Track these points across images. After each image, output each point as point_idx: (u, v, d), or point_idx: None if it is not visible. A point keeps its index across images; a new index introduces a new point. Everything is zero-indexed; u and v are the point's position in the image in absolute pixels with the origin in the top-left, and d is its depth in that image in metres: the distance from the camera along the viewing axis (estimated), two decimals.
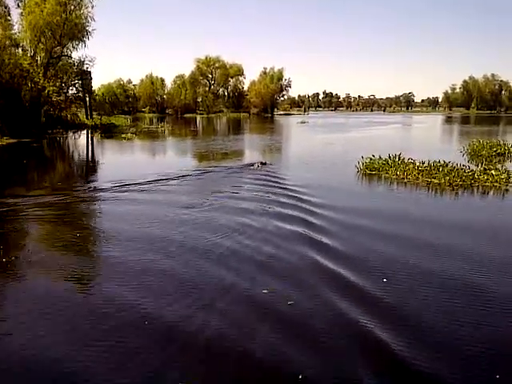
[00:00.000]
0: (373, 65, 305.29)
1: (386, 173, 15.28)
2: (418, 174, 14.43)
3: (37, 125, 38.17)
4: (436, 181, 13.66)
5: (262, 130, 50.55)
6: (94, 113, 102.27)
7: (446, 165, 14.95)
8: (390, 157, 16.78)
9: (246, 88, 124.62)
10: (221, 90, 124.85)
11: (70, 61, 44.15)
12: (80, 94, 47.85)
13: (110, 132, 41.07)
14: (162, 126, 52.40)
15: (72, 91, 46.64)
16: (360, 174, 15.79)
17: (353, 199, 11.94)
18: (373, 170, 15.75)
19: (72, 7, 39.62)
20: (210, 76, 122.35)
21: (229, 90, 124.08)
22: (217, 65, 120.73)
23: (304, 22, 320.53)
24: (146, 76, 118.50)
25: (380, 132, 45.54)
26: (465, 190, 12.99)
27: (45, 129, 38.16)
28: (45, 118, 40.97)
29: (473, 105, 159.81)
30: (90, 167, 20.72)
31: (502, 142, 23.04)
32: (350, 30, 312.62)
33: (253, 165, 17.37)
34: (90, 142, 35.99)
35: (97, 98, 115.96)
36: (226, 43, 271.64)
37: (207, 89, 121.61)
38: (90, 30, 42.57)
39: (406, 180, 14.22)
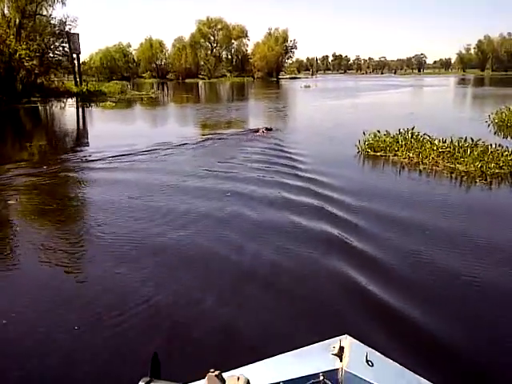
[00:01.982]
0: (383, 26, 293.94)
1: (395, 154, 11.64)
2: (438, 156, 10.79)
3: (11, 93, 34.70)
4: (462, 167, 10.03)
5: (266, 95, 46.30)
6: (92, 78, 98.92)
7: (476, 144, 11.16)
8: (399, 132, 13.07)
9: (249, 51, 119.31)
10: (224, 53, 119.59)
11: (47, 20, 40.10)
12: (60, 58, 43.67)
13: (90, 100, 37.32)
14: (153, 93, 48.58)
15: (51, 55, 42.48)
16: (361, 155, 12.19)
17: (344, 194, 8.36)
18: (377, 151, 12.11)
19: None
20: (212, 38, 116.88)
21: (232, 53, 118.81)
22: (219, 26, 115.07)
23: None
24: (145, 39, 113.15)
25: (389, 97, 41.28)
26: (503, 180, 9.41)
27: (20, 97, 34.65)
28: (21, 85, 37.43)
29: (488, 66, 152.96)
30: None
31: None
32: None
33: (257, 130, 16.69)
34: (62, 111, 32.44)
35: (93, 63, 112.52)
36: (229, 3, 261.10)
37: (209, 52, 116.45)
38: None
39: (421, 165, 10.60)
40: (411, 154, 11.27)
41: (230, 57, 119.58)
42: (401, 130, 13.13)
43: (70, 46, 48.01)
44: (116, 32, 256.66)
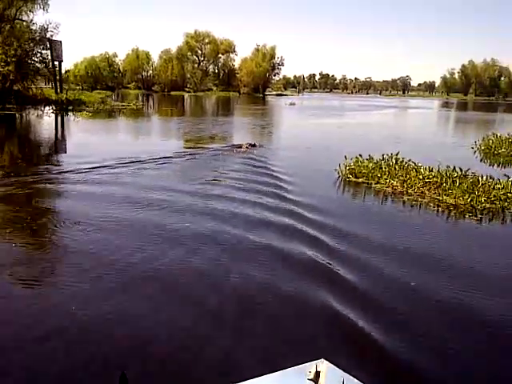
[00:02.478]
0: (370, 47, 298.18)
1: (378, 182, 10.76)
2: (424, 186, 9.94)
3: None
4: (451, 200, 9.17)
5: (251, 110, 45.65)
6: (76, 87, 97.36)
7: (464, 174, 10.29)
8: (383, 157, 12.21)
9: (237, 66, 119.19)
10: (210, 67, 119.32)
11: (26, 26, 38.83)
12: (38, 65, 42.22)
13: (67, 109, 36.01)
14: (135, 104, 47.48)
15: (30, 61, 41.02)
16: (341, 181, 11.28)
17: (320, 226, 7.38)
18: (359, 177, 11.22)
19: None
20: (200, 52, 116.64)
21: (219, 67, 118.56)
22: (206, 40, 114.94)
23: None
24: (132, 50, 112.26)
25: (374, 118, 40.86)
26: (494, 216, 8.55)
27: None
28: None
29: (471, 90, 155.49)
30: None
31: None
32: (350, 11, 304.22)
33: (241, 146, 16.26)
34: (37, 119, 31.08)
35: (77, 71, 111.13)
36: (218, 19, 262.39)
37: (196, 65, 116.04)
38: None
39: (406, 196, 9.73)
40: (395, 183, 10.40)
41: (216, 71, 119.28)
42: (384, 156, 12.27)
43: (51, 53, 46.69)
44: (103, 42, 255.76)
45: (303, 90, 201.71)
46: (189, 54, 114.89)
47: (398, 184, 10.32)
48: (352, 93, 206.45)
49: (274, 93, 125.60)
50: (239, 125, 30.19)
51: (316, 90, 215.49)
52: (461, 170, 10.49)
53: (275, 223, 7.45)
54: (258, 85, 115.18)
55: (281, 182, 10.68)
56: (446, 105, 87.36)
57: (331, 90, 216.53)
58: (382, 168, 11.28)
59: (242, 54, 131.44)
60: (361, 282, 5.31)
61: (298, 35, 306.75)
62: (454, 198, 9.19)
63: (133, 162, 12.60)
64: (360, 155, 12.04)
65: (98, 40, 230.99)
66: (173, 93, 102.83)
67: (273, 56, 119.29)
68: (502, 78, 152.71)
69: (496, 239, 7.56)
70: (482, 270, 5.99)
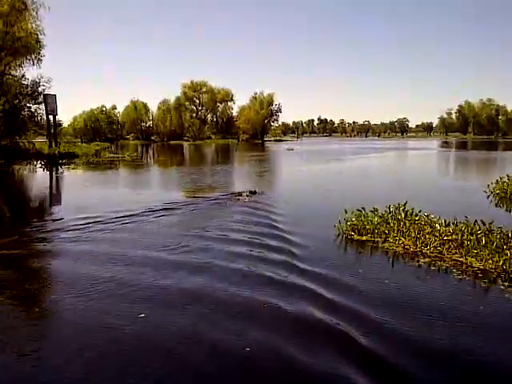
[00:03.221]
0: (367, 91, 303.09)
1: (386, 240, 9.11)
2: (442, 245, 8.28)
3: None
4: (477, 263, 7.51)
5: (250, 157, 44.69)
6: (76, 140, 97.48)
7: (490, 230, 8.62)
8: (389, 209, 10.60)
9: (235, 113, 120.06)
10: (209, 115, 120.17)
11: (16, 80, 38.45)
12: (26, 120, 41.54)
13: (57, 163, 34.85)
14: (129, 155, 46.51)
15: (21, 115, 40.39)
16: (342, 239, 9.65)
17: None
18: (363, 234, 9.60)
19: (14, 19, 33.99)
20: (197, 101, 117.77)
21: (217, 115, 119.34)
22: (204, 89, 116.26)
23: (298, 47, 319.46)
24: (130, 101, 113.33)
25: (375, 161, 39.57)
26: None
27: None
28: None
29: (469, 130, 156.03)
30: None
31: None
32: (344, 58, 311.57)
33: (241, 194, 15.99)
34: (23, 174, 29.80)
35: (76, 124, 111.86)
36: (216, 69, 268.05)
37: (194, 115, 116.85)
38: (37, 45, 37.53)
39: (420, 257, 8.04)
40: (406, 241, 8.74)
41: (215, 119, 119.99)
42: (391, 207, 10.65)
43: (46, 107, 46.36)
44: (101, 94, 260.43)
45: (302, 134, 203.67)
46: (187, 103, 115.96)
47: (410, 243, 8.66)
48: (351, 136, 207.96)
49: (273, 139, 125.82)
50: (239, 172, 29.18)
51: (315, 135, 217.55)
52: (483, 223, 8.83)
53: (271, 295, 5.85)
54: (256, 131, 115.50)
55: (278, 241, 9.21)
56: (445, 145, 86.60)
57: (330, 134, 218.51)
58: (389, 223, 9.64)
59: (240, 102, 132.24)
60: None
61: (296, 82, 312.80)
62: (481, 260, 7.51)
63: (126, 216, 12.00)
64: (363, 208, 10.41)
65: (96, 93, 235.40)
66: (172, 142, 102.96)
67: (271, 103, 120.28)
68: (500, 117, 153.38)
69: None
70: None
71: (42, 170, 31.42)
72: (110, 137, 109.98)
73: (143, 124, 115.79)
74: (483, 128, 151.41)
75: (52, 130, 49.69)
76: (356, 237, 9.54)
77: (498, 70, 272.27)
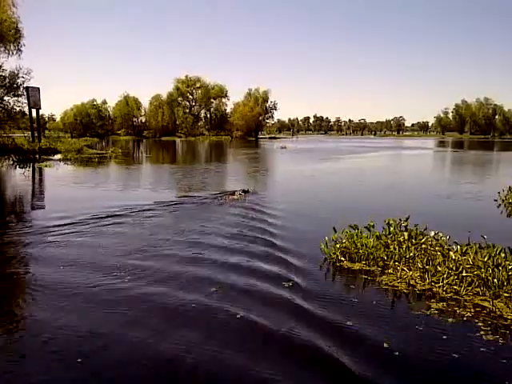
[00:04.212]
0: (363, 89, 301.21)
1: (384, 270, 7.07)
2: (459, 281, 6.26)
3: None
4: (508, 310, 5.50)
5: (242, 155, 42.83)
6: (66, 135, 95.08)
7: None
8: (388, 226, 8.53)
9: (229, 110, 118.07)
10: (202, 111, 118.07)
11: None
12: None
13: (29, 160, 32.58)
14: (113, 151, 44.29)
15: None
16: (328, 266, 7.59)
17: None
18: (355, 260, 7.55)
19: None
20: (191, 97, 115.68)
21: (211, 111, 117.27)
22: (197, 85, 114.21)
23: (294, 45, 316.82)
24: (122, 96, 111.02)
25: (370, 161, 37.53)
26: None
27: None
28: None
29: (466, 129, 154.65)
30: None
31: None
32: (341, 54, 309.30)
33: (234, 193, 15.55)
34: None
35: (66, 119, 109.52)
36: (211, 64, 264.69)
37: (187, 110, 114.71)
38: (15, 34, 35.40)
39: (432, 300, 5.99)
40: (411, 273, 6.72)
41: (208, 115, 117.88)
42: (390, 222, 8.60)
43: (28, 100, 44.08)
44: (92, 88, 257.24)
45: (298, 132, 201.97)
46: (180, 99, 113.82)
47: (417, 276, 6.63)
48: (346, 134, 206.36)
49: (267, 136, 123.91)
50: (230, 171, 27.11)
51: (310, 133, 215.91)
52: (510, 250, 6.80)
53: None
54: (250, 128, 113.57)
55: (252, 262, 7.06)
56: (442, 144, 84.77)
57: (326, 132, 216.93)
58: (388, 246, 7.58)
59: (234, 98, 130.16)
60: None
61: (293, 79, 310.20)
62: None
63: (110, 217, 11.31)
64: (355, 226, 8.32)
65: (88, 87, 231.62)
66: (164, 138, 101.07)
67: (265, 100, 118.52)
68: (497, 117, 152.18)
69: None
70: None
71: (11, 167, 29.13)
72: (100, 132, 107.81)
73: (135, 120, 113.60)
74: (480, 127, 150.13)
75: (35, 124, 47.44)
76: (346, 264, 7.48)
77: (497, 69, 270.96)
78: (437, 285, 6.32)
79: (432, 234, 7.92)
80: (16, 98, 40.56)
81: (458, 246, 7.04)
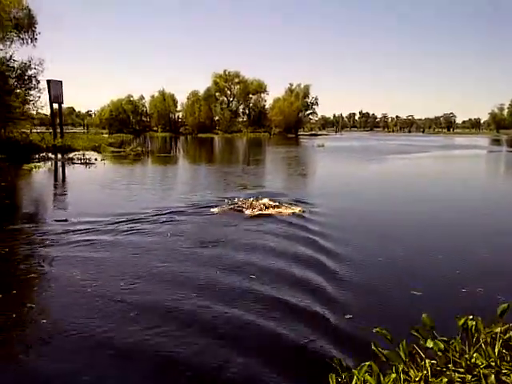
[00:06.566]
0: (411, 84, 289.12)
1: None
2: None
3: None
4: None
5: (284, 155, 38.62)
6: (103, 131, 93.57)
7: None
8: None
9: (268, 106, 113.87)
10: (240, 107, 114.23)
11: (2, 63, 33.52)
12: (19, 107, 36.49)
13: (22, 160, 29.01)
14: (132, 149, 40.88)
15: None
16: None
17: None
18: None
19: None
20: (229, 92, 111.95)
21: (249, 107, 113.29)
22: (236, 80, 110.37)
23: (338, 39, 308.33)
24: (158, 92, 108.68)
25: (419, 165, 32.02)
26: None
27: None
28: None
29: None
30: None
31: None
32: (389, 50, 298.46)
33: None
34: None
35: (103, 115, 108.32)
36: (251, 58, 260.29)
37: (225, 106, 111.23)
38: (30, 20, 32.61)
39: None
40: None
41: (246, 111, 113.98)
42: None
43: (49, 94, 41.36)
44: (129, 84, 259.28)
45: (342, 129, 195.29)
46: (217, 94, 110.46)
47: None
48: (393, 131, 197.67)
49: (308, 133, 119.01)
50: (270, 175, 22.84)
51: (356, 129, 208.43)
52: None
53: None
54: (289, 124, 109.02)
55: None
56: (497, 143, 76.85)
57: (371, 129, 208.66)
58: None
59: (274, 93, 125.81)
60: None
61: (337, 74, 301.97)
62: None
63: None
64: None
65: (124, 83, 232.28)
66: (201, 135, 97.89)
67: (306, 95, 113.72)
68: None
69: None
70: None
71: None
72: (138, 128, 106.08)
73: (172, 116, 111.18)
74: None
75: (59, 121, 44.67)
76: None
77: None
78: None
79: None
80: (27, 91, 37.48)
81: None
